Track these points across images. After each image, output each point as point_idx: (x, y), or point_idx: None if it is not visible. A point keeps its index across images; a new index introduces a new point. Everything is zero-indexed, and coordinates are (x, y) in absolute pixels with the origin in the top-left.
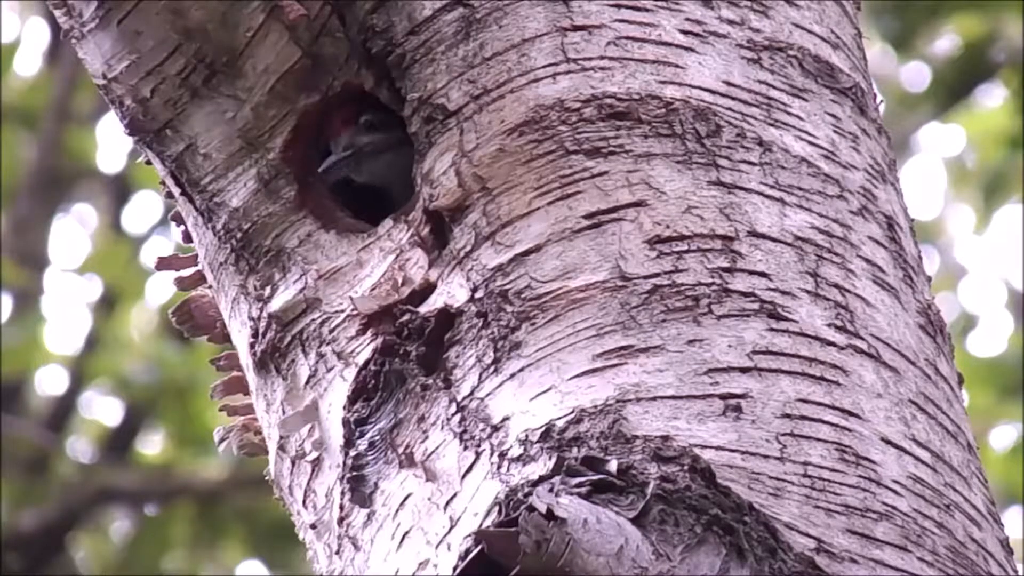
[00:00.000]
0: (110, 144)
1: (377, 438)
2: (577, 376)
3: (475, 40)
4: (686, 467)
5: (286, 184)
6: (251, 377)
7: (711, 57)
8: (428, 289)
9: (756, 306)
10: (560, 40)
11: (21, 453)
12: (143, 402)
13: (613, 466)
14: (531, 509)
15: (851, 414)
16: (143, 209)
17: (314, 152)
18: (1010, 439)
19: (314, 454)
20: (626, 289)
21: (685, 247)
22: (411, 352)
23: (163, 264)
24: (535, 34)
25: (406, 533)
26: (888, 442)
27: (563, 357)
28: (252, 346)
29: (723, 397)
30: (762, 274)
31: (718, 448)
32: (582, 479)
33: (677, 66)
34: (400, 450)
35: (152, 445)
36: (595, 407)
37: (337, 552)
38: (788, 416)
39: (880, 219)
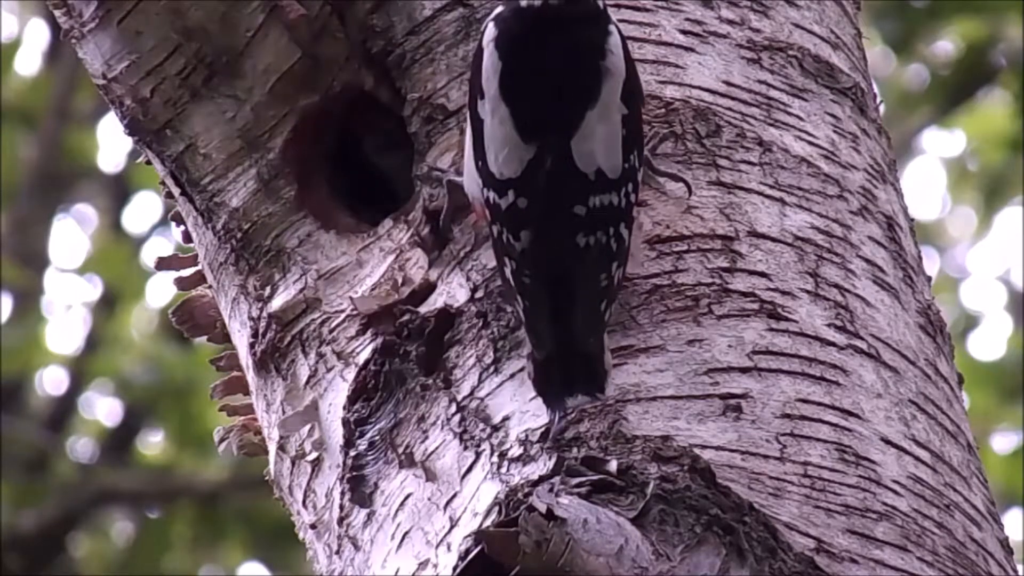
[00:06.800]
0: (110, 144)
1: (377, 438)
2: None
3: (475, 40)
4: (686, 467)
5: (286, 184)
6: (251, 377)
7: (711, 57)
8: (428, 289)
9: (756, 306)
10: None
11: (21, 453)
12: (143, 402)
13: (613, 466)
14: (531, 509)
15: (851, 414)
16: (143, 209)
17: (314, 152)
18: (1011, 443)
19: (314, 454)
20: (626, 289)
21: (685, 247)
22: (411, 352)
23: (163, 264)
24: None
25: (406, 533)
26: (888, 442)
27: None
28: (252, 346)
29: (723, 397)
30: (762, 274)
31: (718, 448)
32: (582, 479)
33: (677, 66)
34: (400, 450)
35: (152, 445)
36: (595, 407)
37: (337, 552)
38: (788, 416)
39: (880, 219)
